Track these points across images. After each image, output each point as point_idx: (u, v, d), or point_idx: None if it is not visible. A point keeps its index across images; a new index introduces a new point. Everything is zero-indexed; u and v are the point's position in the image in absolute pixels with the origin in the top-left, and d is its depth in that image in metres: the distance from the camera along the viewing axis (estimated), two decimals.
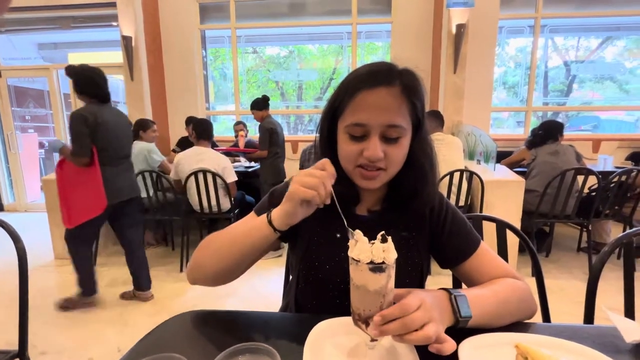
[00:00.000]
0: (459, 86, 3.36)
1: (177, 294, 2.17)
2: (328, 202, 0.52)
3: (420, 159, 0.61)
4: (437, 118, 2.60)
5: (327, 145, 0.63)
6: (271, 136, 2.88)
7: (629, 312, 0.80)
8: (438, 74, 3.53)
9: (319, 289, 0.65)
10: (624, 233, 0.81)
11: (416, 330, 0.43)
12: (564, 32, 4.22)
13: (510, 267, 0.66)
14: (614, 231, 2.69)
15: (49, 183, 2.61)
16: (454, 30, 3.22)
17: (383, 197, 0.66)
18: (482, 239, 0.85)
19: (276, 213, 0.56)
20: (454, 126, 3.38)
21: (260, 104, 2.92)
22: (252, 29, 4.19)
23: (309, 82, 4.81)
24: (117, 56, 3.67)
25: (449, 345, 0.44)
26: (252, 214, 0.68)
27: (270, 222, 0.55)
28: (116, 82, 4.42)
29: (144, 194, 2.54)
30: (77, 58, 4.73)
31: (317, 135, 0.65)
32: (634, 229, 0.82)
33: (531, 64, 3.84)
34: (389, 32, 3.88)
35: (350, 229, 0.49)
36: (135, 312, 1.97)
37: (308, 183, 0.51)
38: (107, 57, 4.40)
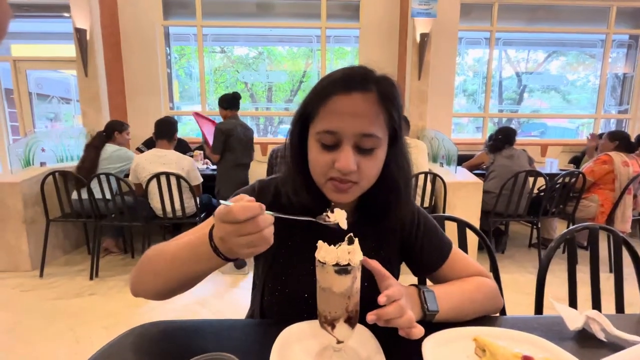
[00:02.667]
0: (423, 92, 3.52)
1: (137, 305, 2.04)
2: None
3: (394, 174, 0.57)
4: (405, 123, 2.70)
5: (297, 152, 0.59)
6: (226, 140, 2.43)
7: (572, 301, 0.88)
8: (404, 80, 3.67)
9: (286, 304, 0.61)
10: (568, 229, 0.89)
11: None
12: (516, 45, 4.59)
13: (479, 266, 0.67)
14: (559, 228, 2.95)
15: None
16: (418, 39, 3.37)
17: (354, 209, 0.63)
18: None
19: (227, 250, 0.45)
20: (419, 130, 3.52)
21: (225, 102, 2.52)
22: (220, 27, 4.08)
23: (278, 84, 4.78)
24: (69, 50, 3.39)
25: (418, 330, 0.47)
26: (211, 218, 0.64)
27: (218, 251, 0.46)
28: (68, 78, 4.09)
29: (100, 197, 2.37)
30: (22, 50, 4.30)
31: (288, 141, 0.60)
32: (575, 225, 0.90)
33: (487, 73, 4.13)
34: (357, 37, 3.96)
35: (322, 216, 0.49)
36: (88, 326, 1.81)
37: (253, 242, 0.42)
38: (57, 50, 4.05)
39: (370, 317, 0.45)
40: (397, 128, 0.56)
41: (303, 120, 0.57)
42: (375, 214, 0.60)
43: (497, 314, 0.65)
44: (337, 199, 0.56)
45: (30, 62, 3.90)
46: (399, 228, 0.66)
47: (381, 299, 0.45)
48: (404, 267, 0.72)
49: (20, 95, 3.84)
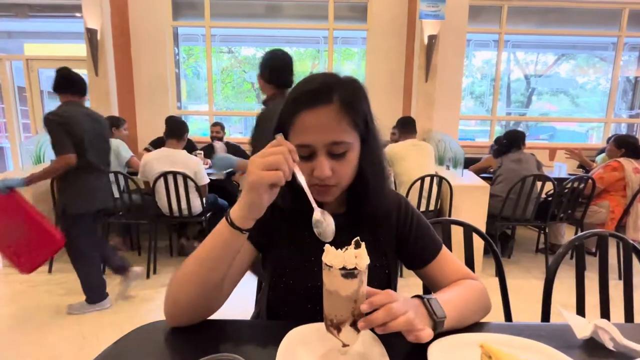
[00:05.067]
0: (430, 94, 3.50)
1: (143, 303, 2.06)
2: (290, 178, 0.49)
3: (367, 170, 0.62)
4: (411, 125, 2.69)
5: None
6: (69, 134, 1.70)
7: (580, 309, 0.87)
8: (411, 82, 3.66)
9: (291, 295, 0.65)
10: (576, 236, 0.88)
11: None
12: (525, 47, 4.54)
13: (468, 269, 0.70)
14: (567, 233, 2.91)
15: None
16: (425, 41, 3.35)
17: (343, 200, 0.67)
18: (451, 242, 0.88)
19: (238, 210, 0.50)
20: (425, 133, 3.50)
21: (58, 83, 1.76)
22: (228, 28, 4.12)
23: None
24: (80, 49, 3.45)
25: (426, 332, 0.47)
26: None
27: (232, 223, 0.50)
28: None
29: None
30: (34, 49, 4.39)
31: None
32: (584, 232, 0.89)
33: (495, 76, 4.09)
34: (364, 39, 3.96)
35: (319, 210, 0.52)
36: (95, 323, 1.84)
37: (271, 163, 0.46)
38: (68, 50, 4.12)
39: (360, 324, 0.45)
40: (362, 130, 0.59)
41: (281, 131, 0.60)
42: (361, 205, 0.65)
43: (495, 320, 0.64)
44: (321, 199, 0.60)
45: (42, 61, 3.97)
46: (393, 219, 0.69)
47: (363, 307, 0.45)
48: (407, 272, 0.72)
49: (32, 94, 3.91)
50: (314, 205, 0.53)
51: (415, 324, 0.47)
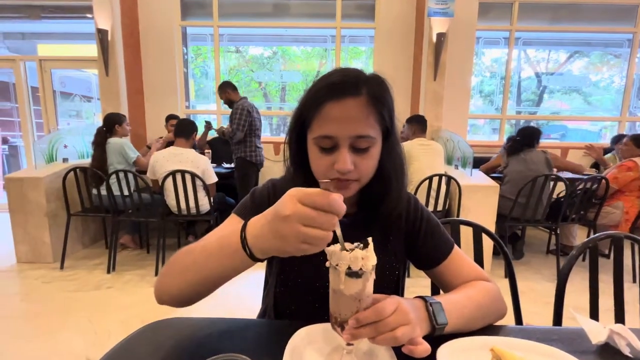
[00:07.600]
0: (439, 93, 3.46)
1: (151, 300, 2.08)
2: None
3: (387, 168, 0.61)
4: (421, 123, 2.65)
5: (296, 154, 0.63)
6: None
7: (594, 313, 0.85)
8: (419, 81, 3.62)
9: (298, 293, 0.64)
10: (590, 237, 0.86)
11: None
12: (536, 45, 4.45)
13: (482, 270, 0.68)
14: (580, 235, 2.85)
15: (11, 181, 2.45)
16: (434, 39, 3.31)
17: (355, 200, 0.66)
18: (460, 242, 0.87)
19: (263, 247, 0.45)
20: (434, 132, 3.47)
21: None
22: (235, 27, 4.13)
23: (292, 83, 4.79)
24: (91, 49, 3.51)
25: (422, 347, 0.44)
26: (232, 216, 0.66)
27: (251, 255, 0.46)
28: (89, 77, 4.23)
29: (118, 194, 2.44)
30: (46, 49, 4.48)
31: (286, 144, 0.64)
32: (598, 233, 0.87)
33: (505, 74, 4.02)
34: (372, 37, 3.94)
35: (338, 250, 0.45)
36: (105, 319, 1.87)
37: (315, 240, 0.40)
38: (80, 50, 4.19)
39: (345, 335, 0.44)
40: (388, 125, 0.58)
41: (300, 124, 0.60)
42: (374, 204, 0.64)
43: (505, 322, 0.63)
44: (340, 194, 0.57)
45: (54, 61, 4.05)
46: (403, 218, 0.67)
47: (351, 322, 0.43)
48: (415, 273, 0.71)
49: (45, 94, 3.99)
50: (341, 243, 0.47)
51: (406, 339, 0.44)
